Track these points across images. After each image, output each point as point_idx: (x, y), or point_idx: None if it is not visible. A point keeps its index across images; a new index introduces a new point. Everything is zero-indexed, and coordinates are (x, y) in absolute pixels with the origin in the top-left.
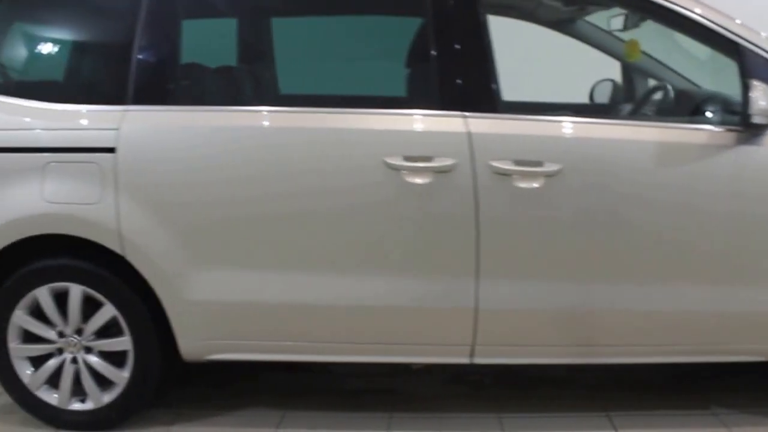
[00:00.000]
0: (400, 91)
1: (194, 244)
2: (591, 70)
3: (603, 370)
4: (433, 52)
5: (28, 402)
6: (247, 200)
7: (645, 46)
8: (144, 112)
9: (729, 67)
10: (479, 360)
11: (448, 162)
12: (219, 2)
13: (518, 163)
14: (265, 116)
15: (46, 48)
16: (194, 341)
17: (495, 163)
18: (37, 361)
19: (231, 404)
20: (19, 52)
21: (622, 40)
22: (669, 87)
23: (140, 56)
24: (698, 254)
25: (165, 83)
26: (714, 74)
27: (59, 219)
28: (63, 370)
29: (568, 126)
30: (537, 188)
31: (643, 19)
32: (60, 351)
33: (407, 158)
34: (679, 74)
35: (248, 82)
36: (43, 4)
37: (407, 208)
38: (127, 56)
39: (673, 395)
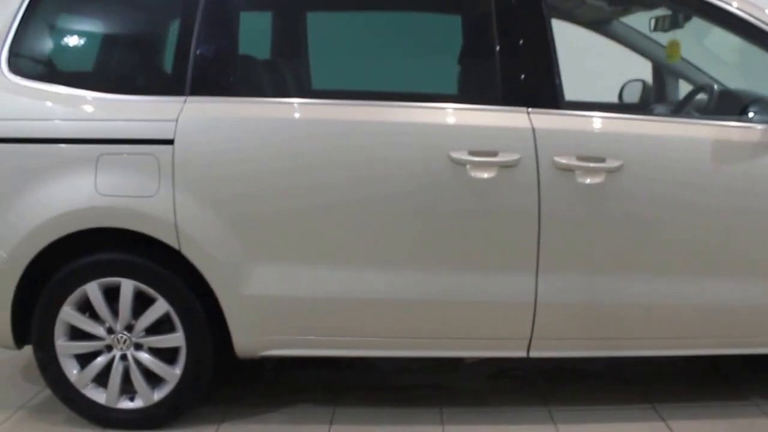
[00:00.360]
0: (465, 86)
1: (252, 237)
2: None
3: (644, 363)
4: (497, 48)
5: (74, 401)
6: (307, 193)
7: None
8: (203, 104)
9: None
10: (535, 354)
11: (513, 157)
12: None
13: (581, 158)
14: (328, 109)
15: (102, 38)
16: (249, 337)
17: (559, 159)
18: (83, 359)
19: (279, 401)
20: (74, 42)
21: (654, 41)
22: (714, 86)
23: (199, 47)
24: (751, 250)
25: (224, 74)
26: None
27: (113, 212)
28: (112, 367)
29: (628, 123)
30: (598, 184)
31: (687, 19)
32: (108, 348)
33: (472, 153)
34: (705, 73)
35: (309, 75)
36: None
37: (471, 203)
38: (186, 47)
39: (711, 386)
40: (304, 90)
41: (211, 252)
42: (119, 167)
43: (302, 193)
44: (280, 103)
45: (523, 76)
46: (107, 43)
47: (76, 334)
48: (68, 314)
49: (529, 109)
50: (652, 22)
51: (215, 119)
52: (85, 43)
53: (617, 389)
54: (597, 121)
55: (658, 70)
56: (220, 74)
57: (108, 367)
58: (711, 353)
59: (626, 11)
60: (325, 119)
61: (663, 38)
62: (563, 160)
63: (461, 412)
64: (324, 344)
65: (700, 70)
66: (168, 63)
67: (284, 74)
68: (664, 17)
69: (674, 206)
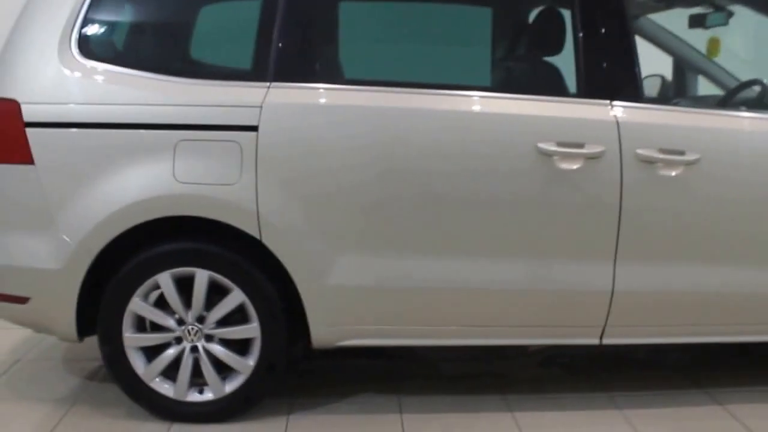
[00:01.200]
0: (548, 78)
1: (335, 227)
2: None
3: (691, 349)
4: (582, 42)
5: (141, 394)
6: (393, 183)
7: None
8: (288, 90)
9: None
10: (607, 341)
11: (598, 149)
12: None
13: (662, 151)
14: (418, 98)
15: (180, 21)
16: (327, 327)
17: (641, 151)
18: (149, 352)
19: (344, 392)
20: (149, 25)
21: (678, 37)
22: (765, 81)
23: (283, 32)
24: None
25: (308, 61)
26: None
27: (192, 200)
28: (182, 359)
29: (705, 117)
30: (677, 176)
31: (731, 15)
32: (178, 340)
33: (560, 144)
34: (724, 69)
35: (396, 63)
36: None
37: (556, 194)
38: (269, 31)
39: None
40: (390, 78)
41: (294, 242)
42: (199, 154)
43: (388, 182)
44: (368, 90)
45: (606, 70)
46: (184, 26)
47: (142, 326)
48: (138, 305)
49: (613, 102)
50: (692, 18)
51: (302, 106)
52: (160, 25)
53: (677, 376)
54: (676, 114)
55: (679, 66)
56: (304, 60)
57: (176, 359)
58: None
59: (667, 6)
60: (415, 108)
61: (685, 34)
62: (646, 152)
63: (525, 399)
64: (401, 333)
65: (720, 66)
66: (250, 47)
67: (369, 61)
68: (704, 14)
69: (747, 198)
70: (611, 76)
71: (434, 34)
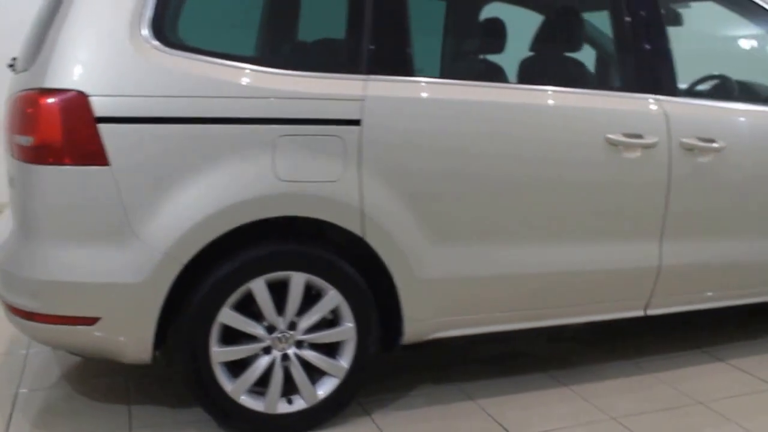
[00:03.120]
0: (607, 76)
1: (433, 220)
2: None
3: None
4: (634, 41)
5: (230, 413)
6: (486, 174)
7: None
8: (387, 83)
9: None
10: (651, 312)
11: (654, 139)
12: None
13: (701, 140)
14: (512, 93)
15: (271, 8)
16: (421, 321)
17: (685, 140)
18: (234, 364)
19: (411, 384)
20: (238, 10)
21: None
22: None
23: (377, 22)
24: None
25: (404, 53)
26: None
27: (297, 199)
28: (273, 370)
29: (729, 109)
30: (709, 161)
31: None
32: (266, 350)
33: (626, 135)
34: None
35: (492, 60)
36: None
37: (622, 180)
38: (361, 22)
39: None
40: (479, 73)
41: (396, 238)
42: (300, 150)
43: (482, 173)
44: (465, 85)
45: (652, 67)
46: (277, 14)
47: (226, 337)
48: (229, 316)
49: (660, 97)
50: None
51: (402, 99)
52: (248, 12)
53: (674, 338)
54: (706, 107)
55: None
56: (400, 53)
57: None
58: None
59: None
60: (507, 102)
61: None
62: (689, 141)
63: (566, 374)
64: (489, 321)
65: None
66: (344, 38)
67: (463, 55)
68: None
69: (764, 182)
70: (656, 72)
71: (518, 35)
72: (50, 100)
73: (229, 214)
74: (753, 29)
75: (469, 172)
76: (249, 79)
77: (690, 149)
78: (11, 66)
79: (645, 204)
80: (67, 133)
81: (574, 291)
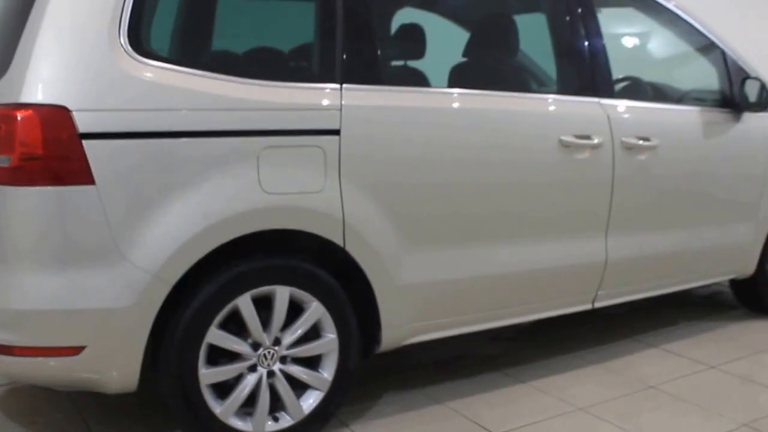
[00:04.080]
0: (555, 80)
1: (409, 226)
2: None
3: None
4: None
5: None
6: (459, 178)
7: None
8: (361, 92)
9: None
10: (598, 305)
11: (600, 139)
12: None
13: (639, 138)
14: (477, 99)
15: (253, 21)
16: (398, 327)
17: (625, 139)
18: (217, 387)
19: (376, 392)
20: (226, 26)
21: None
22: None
23: (348, 30)
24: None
25: (375, 62)
26: None
27: (282, 212)
28: (260, 387)
29: (662, 110)
30: (645, 159)
31: None
32: (251, 368)
33: (577, 137)
34: None
35: (456, 66)
36: None
37: (574, 180)
38: (333, 29)
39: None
40: (450, 80)
41: (374, 246)
42: (284, 161)
43: (455, 179)
44: (436, 92)
45: (593, 70)
46: (252, 22)
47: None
48: (217, 336)
49: (601, 100)
50: None
51: (378, 108)
52: (237, 26)
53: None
54: (641, 108)
55: None
56: (372, 61)
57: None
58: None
59: None
60: (476, 109)
61: None
62: (628, 140)
63: (520, 371)
64: (461, 323)
65: None
66: (315, 47)
67: (431, 63)
68: None
69: (690, 175)
70: (597, 75)
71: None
72: (30, 116)
73: (219, 229)
74: (665, 33)
75: (440, 179)
76: (231, 91)
77: (629, 147)
78: None
79: (593, 202)
80: (49, 151)
81: (532, 289)
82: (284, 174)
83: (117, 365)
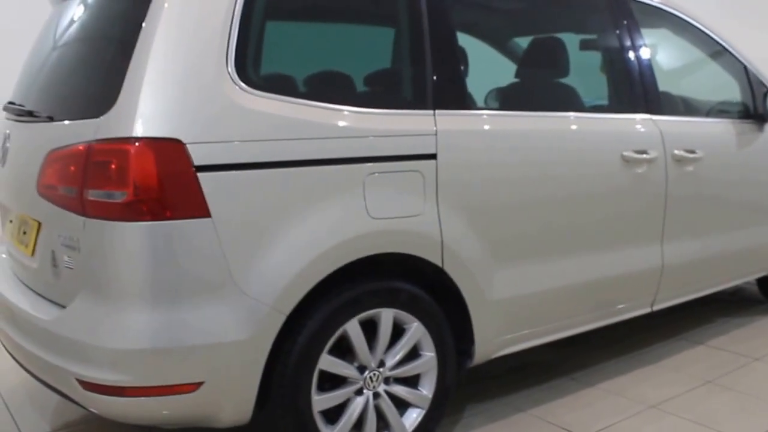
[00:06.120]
0: (611, 99)
1: (500, 244)
2: None
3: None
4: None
5: None
6: (546, 196)
7: None
8: (453, 117)
9: None
10: (657, 307)
11: (655, 154)
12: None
13: (687, 151)
14: (558, 121)
15: (349, 49)
16: (490, 341)
17: (676, 152)
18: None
19: (457, 404)
20: (316, 54)
21: None
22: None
23: (439, 57)
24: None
25: (464, 87)
26: None
27: (388, 236)
28: (367, 410)
29: (705, 124)
30: (692, 170)
31: None
32: (358, 391)
33: (636, 151)
34: None
35: (547, 90)
36: None
37: (634, 192)
38: (423, 57)
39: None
40: (526, 103)
41: (469, 264)
42: (387, 187)
43: (536, 197)
44: (517, 116)
45: (644, 88)
46: (349, 49)
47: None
48: (329, 362)
49: (654, 116)
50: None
51: (470, 132)
52: (327, 54)
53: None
54: (685, 122)
55: None
56: (459, 86)
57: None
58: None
59: None
60: (553, 129)
61: None
62: (679, 153)
63: (586, 375)
64: (541, 333)
65: None
66: (408, 74)
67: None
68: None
69: (728, 182)
70: (649, 92)
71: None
72: (143, 151)
73: (331, 257)
74: (693, 50)
75: (529, 199)
76: (333, 119)
77: (680, 160)
78: (19, 113)
79: (651, 211)
80: (165, 185)
81: (600, 296)
82: (387, 199)
83: (233, 398)
